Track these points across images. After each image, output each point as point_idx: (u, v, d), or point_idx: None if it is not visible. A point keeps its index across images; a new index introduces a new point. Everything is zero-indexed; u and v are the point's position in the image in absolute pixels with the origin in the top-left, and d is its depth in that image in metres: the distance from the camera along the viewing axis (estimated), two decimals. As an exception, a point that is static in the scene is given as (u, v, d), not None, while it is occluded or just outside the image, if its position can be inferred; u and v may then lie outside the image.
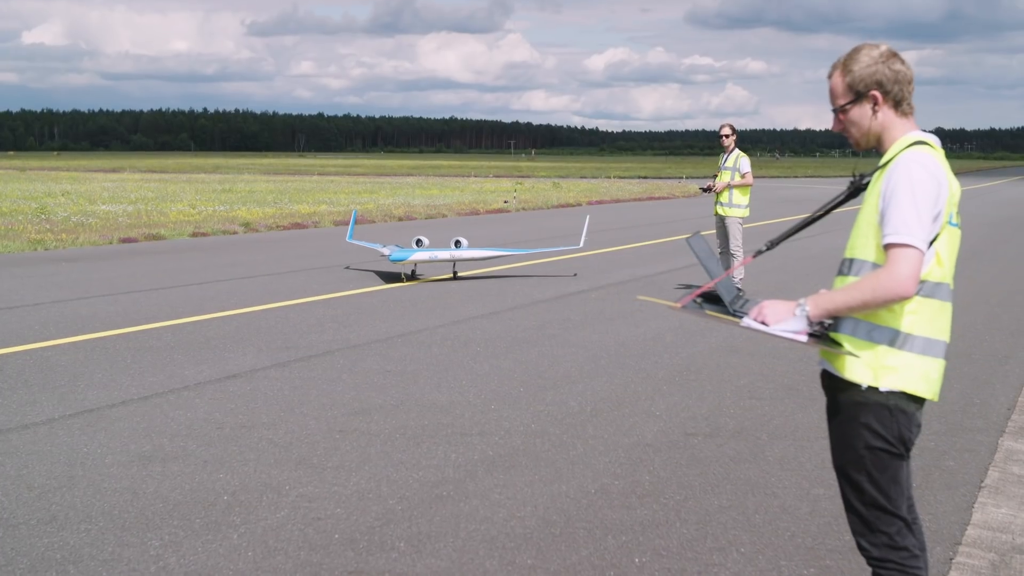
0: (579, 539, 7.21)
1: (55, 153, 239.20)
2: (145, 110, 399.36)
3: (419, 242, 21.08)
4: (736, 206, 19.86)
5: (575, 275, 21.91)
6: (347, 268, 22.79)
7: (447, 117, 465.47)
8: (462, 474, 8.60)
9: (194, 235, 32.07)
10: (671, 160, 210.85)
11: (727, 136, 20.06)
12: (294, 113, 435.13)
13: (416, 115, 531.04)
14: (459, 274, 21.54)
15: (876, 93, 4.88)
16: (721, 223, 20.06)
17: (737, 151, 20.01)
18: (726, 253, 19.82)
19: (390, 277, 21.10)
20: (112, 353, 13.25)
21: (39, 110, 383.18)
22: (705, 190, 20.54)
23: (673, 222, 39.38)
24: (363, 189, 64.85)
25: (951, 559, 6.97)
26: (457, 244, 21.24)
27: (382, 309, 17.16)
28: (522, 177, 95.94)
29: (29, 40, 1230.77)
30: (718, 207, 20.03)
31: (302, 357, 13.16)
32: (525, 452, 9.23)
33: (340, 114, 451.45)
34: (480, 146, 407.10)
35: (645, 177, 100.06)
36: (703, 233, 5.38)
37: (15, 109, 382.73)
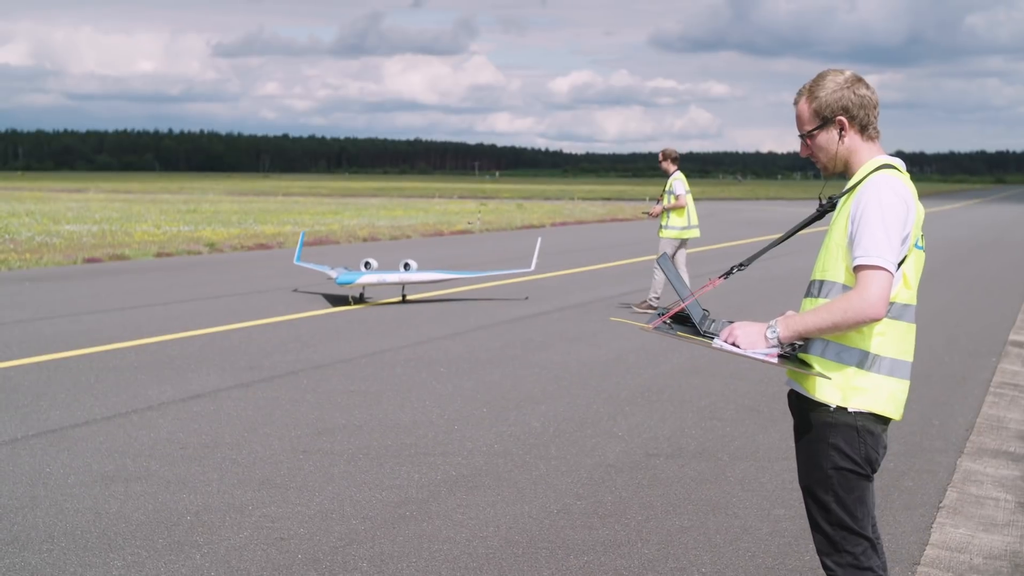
0: (541, 559, 7.25)
1: (19, 173, 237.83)
2: (110, 130, 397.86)
3: (367, 264, 20.71)
4: (669, 227, 20.41)
5: (526, 298, 21.55)
6: (295, 291, 22.33)
7: (412, 139, 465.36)
8: (425, 494, 8.63)
9: (159, 255, 31.99)
10: (634, 181, 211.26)
11: (660, 163, 20.68)
12: (259, 134, 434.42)
13: (381, 136, 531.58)
14: (408, 297, 21.15)
15: (842, 118, 4.93)
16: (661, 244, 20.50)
17: (674, 175, 20.40)
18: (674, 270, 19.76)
19: (337, 300, 20.69)
20: (75, 373, 13.22)
21: (3, 130, 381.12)
22: (645, 214, 21.55)
23: (636, 243, 39.52)
24: (328, 210, 64.80)
25: (909, 578, 7.04)
26: (406, 267, 20.87)
27: (346, 329, 17.17)
28: (486, 198, 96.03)
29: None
30: (661, 230, 20.56)
31: (265, 377, 13.16)
32: (488, 472, 9.27)
33: (305, 135, 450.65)
34: (445, 167, 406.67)
35: (608, 199, 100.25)
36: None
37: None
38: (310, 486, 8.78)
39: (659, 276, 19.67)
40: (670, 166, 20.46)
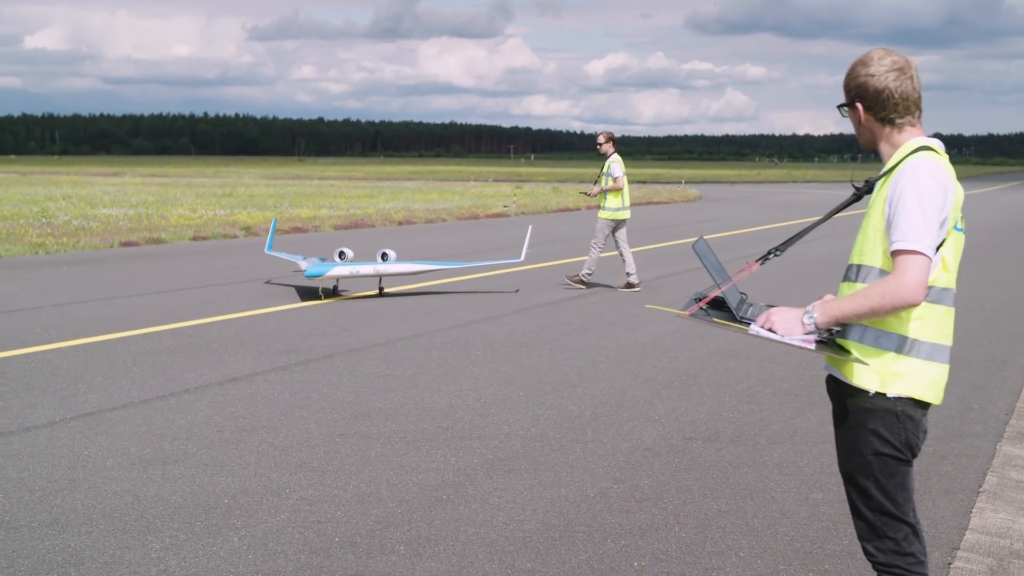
0: (578, 543, 7.23)
1: (56, 157, 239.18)
2: (146, 114, 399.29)
3: (342, 255, 19.17)
4: (607, 208, 21.16)
5: (517, 291, 20.21)
6: (268, 283, 21.08)
7: (447, 122, 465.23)
8: (461, 478, 8.63)
9: (194, 239, 32.10)
10: (670, 165, 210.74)
11: (600, 144, 21.50)
12: (294, 118, 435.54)
13: (416, 120, 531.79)
14: (385, 290, 19.73)
15: (860, 105, 4.90)
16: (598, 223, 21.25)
17: (612, 156, 21.17)
18: (616, 249, 21.32)
19: (307, 294, 19.37)
20: (113, 356, 13.27)
21: (40, 114, 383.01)
22: (584, 194, 22.02)
23: (672, 226, 39.44)
24: (363, 193, 64.90)
25: (949, 564, 6.99)
26: (384, 257, 19.44)
27: (382, 313, 17.19)
28: (521, 182, 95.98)
29: (31, 44, 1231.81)
30: (599, 210, 21.33)
31: (302, 361, 13.18)
32: (524, 456, 9.26)
33: (340, 119, 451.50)
34: (480, 151, 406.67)
35: (644, 182, 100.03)
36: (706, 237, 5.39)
37: (16, 113, 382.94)
38: (347, 469, 8.78)
39: (594, 254, 20.85)
40: (609, 148, 21.24)
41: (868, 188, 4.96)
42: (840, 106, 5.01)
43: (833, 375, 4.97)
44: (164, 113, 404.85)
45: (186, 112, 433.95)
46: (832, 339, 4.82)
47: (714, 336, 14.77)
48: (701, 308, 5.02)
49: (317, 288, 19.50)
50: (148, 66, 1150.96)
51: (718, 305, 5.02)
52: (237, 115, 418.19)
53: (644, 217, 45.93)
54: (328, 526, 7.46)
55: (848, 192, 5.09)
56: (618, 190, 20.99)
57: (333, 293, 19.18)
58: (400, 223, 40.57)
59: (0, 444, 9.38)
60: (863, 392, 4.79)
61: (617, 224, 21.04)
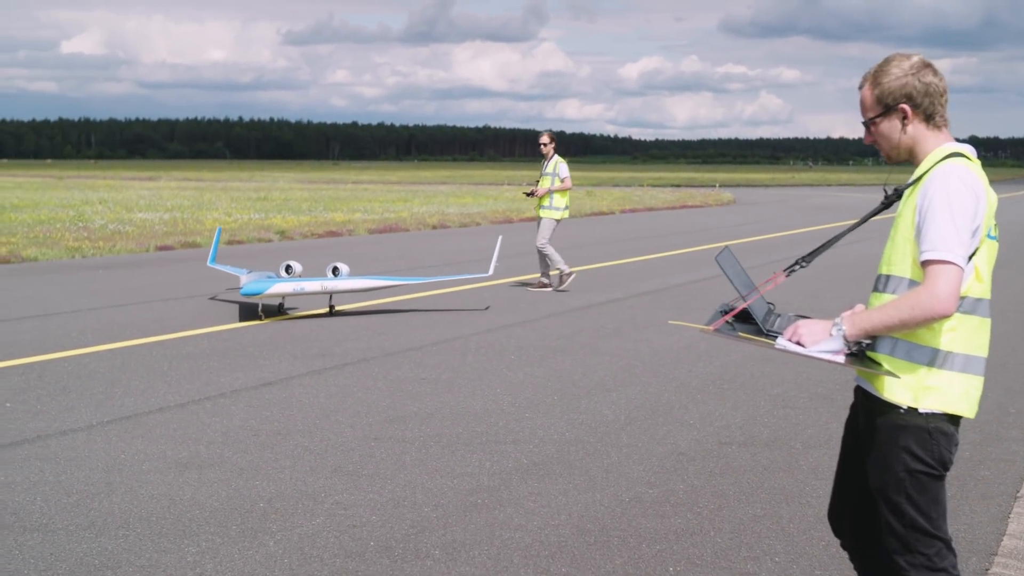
0: (613, 547, 7.23)
1: (92, 161, 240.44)
2: (181, 119, 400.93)
3: (288, 268, 17.52)
4: (555, 208, 21.60)
5: (487, 308, 18.44)
6: (212, 299, 19.28)
7: (481, 126, 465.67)
8: (496, 482, 8.63)
9: (230, 243, 32.19)
10: (704, 168, 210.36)
11: (545, 144, 21.89)
12: (328, 122, 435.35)
13: (450, 123, 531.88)
14: (336, 308, 17.86)
15: (905, 107, 4.77)
16: (538, 222, 21.65)
17: (556, 157, 21.69)
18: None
19: (248, 313, 17.39)
20: (149, 360, 13.33)
21: (77, 119, 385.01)
22: (529, 194, 21.98)
23: (708, 230, 39.36)
24: (397, 197, 64.99)
25: (987, 570, 6.96)
26: (335, 271, 17.58)
27: (415, 318, 17.22)
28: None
29: (67, 50, 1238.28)
30: (539, 209, 21.63)
31: (337, 365, 13.22)
32: (559, 460, 9.26)
33: (374, 122, 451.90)
34: (514, 155, 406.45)
35: (678, 186, 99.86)
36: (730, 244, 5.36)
37: (53, 118, 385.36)
38: (382, 473, 8.80)
39: (553, 251, 21.21)
40: (552, 149, 21.77)
41: (897, 195, 4.88)
42: (873, 118, 4.89)
43: (863, 387, 4.91)
44: (199, 117, 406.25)
45: (221, 116, 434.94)
46: (863, 352, 4.74)
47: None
48: (727, 322, 4.96)
49: (256, 306, 17.27)
50: (183, 70, 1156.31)
51: (744, 318, 4.95)
52: (272, 119, 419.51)
53: (677, 221, 45.87)
54: (363, 530, 7.47)
55: (882, 195, 5.04)
56: (566, 190, 21.60)
57: (278, 312, 17.46)
58: (434, 227, 40.61)
59: (38, 447, 9.43)
60: (894, 408, 4.70)
61: (557, 223, 21.60)
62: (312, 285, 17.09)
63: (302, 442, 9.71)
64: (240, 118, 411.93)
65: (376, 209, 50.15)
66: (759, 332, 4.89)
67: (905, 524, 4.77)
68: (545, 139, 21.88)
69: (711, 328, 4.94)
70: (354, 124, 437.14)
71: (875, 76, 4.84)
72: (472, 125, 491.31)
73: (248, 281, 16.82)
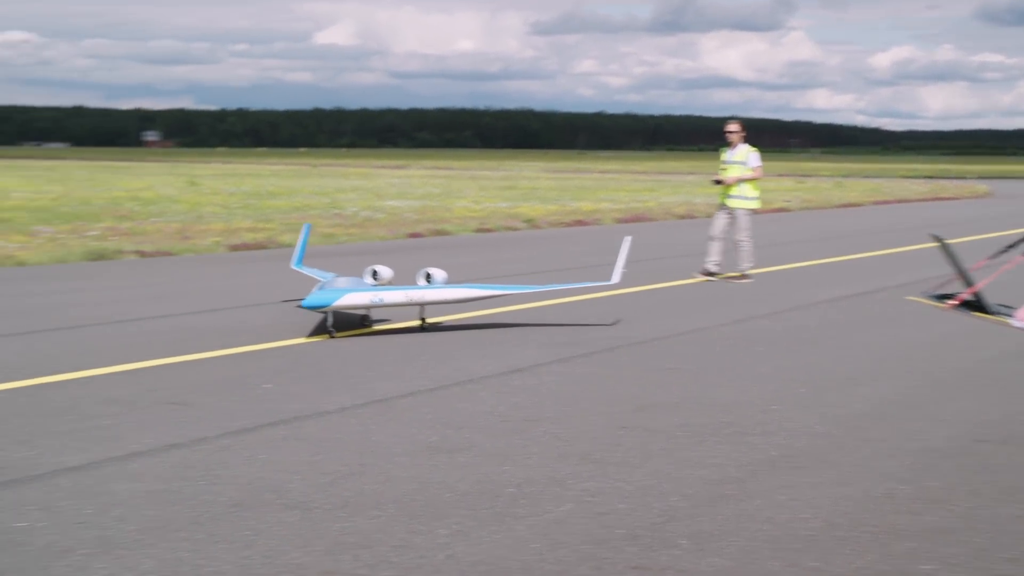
0: (864, 543, 7.10)
1: (344, 150, 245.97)
2: (431, 108, 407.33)
3: (375, 274, 15.16)
4: (747, 198, 21.41)
5: (615, 323, 15.71)
6: (285, 302, 17.35)
7: (728, 116, 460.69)
8: (744, 474, 8.56)
9: (478, 231, 32.60)
10: (959, 160, 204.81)
11: (734, 132, 21.62)
12: (575, 111, 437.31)
13: (696, 113, 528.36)
14: (428, 321, 15.28)
15: None
16: (729, 214, 21.47)
17: (746, 146, 21.39)
18: (722, 240, 21.37)
19: (318, 329, 14.63)
20: (402, 345, 13.60)
21: (330, 108, 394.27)
22: (717, 183, 21.85)
23: (957, 224, 38.33)
24: (643, 187, 64.97)
25: None
26: (428, 278, 15.09)
27: (663, 307, 17.20)
28: (804, 176, 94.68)
29: (321, 40, 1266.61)
30: (727, 199, 21.47)
31: (584, 353, 13.28)
32: (808, 453, 9.13)
33: (620, 112, 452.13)
34: (761, 145, 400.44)
35: (931, 177, 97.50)
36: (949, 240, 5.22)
37: (308, 107, 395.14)
38: (629, 462, 8.80)
39: (749, 245, 21.15)
40: (742, 138, 21.61)
41: None
42: None
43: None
44: (448, 107, 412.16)
45: (470, 106, 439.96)
46: None
47: (1006, 336, 14.30)
48: (963, 300, 4.86)
49: (325, 320, 14.46)
50: (433, 61, 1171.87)
51: (974, 302, 4.85)
52: (519, 109, 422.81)
53: (930, 214, 44.82)
54: (611, 518, 7.49)
55: None
56: (757, 179, 21.40)
57: (361, 324, 15.15)
58: (681, 217, 40.47)
59: (295, 428, 9.71)
60: None
61: (751, 213, 21.47)
62: (393, 295, 14.54)
63: (550, 429, 9.78)
64: (488, 108, 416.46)
65: (623, 199, 50.20)
66: (990, 311, 4.80)
67: None
68: (735, 127, 21.79)
69: (948, 305, 4.86)
70: (600, 114, 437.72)
71: None
72: (719, 115, 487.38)
73: (320, 289, 14.37)
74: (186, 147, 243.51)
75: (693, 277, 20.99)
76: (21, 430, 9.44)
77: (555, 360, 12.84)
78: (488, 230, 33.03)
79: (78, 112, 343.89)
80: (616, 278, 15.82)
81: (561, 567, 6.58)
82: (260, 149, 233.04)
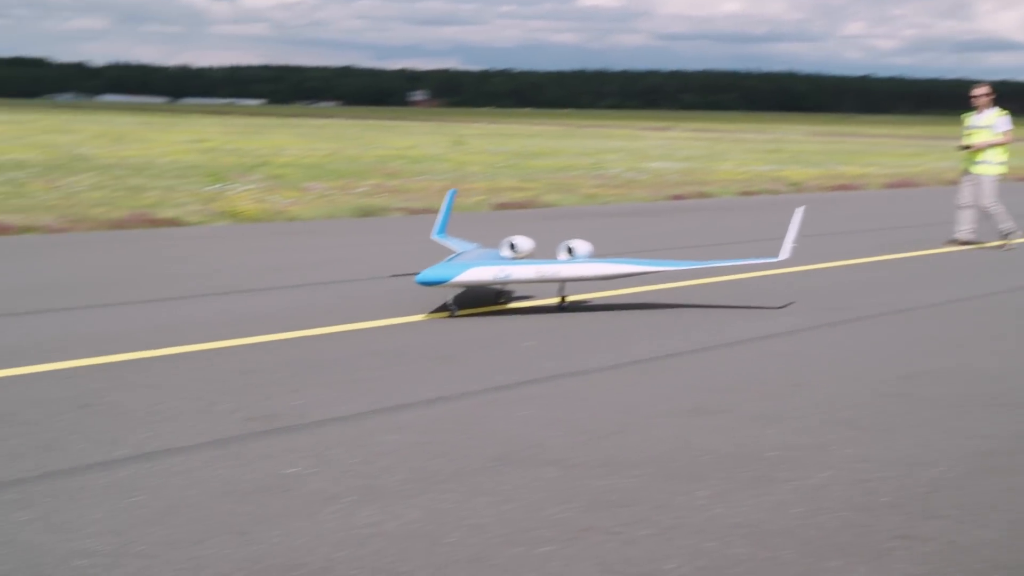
0: None
1: (608, 112, 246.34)
2: (695, 70, 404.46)
3: (513, 247, 13.22)
4: (993, 163, 20.45)
5: (786, 306, 13.85)
6: (394, 276, 15.68)
7: (1002, 79, 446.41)
8: (1015, 445, 8.32)
9: (741, 194, 32.32)
10: None
11: (981, 96, 20.65)
12: (842, 75, 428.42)
13: (969, 77, 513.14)
14: (568, 299, 13.55)
15: None
16: (974, 180, 20.49)
17: (995, 110, 20.48)
18: (971, 208, 20.49)
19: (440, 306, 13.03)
20: (660, 307, 13.58)
21: (594, 70, 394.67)
22: (964, 148, 20.79)
23: None
24: (912, 152, 63.46)
25: None
26: (570, 253, 13.32)
27: (928, 275, 16.87)
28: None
29: (587, 2, 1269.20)
30: (973, 165, 20.51)
31: (848, 319, 13.09)
32: (1083, 428, 8.83)
33: (889, 76, 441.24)
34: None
35: None
36: None
37: (572, 68, 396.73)
38: (894, 430, 8.64)
39: (1000, 208, 20.27)
40: (990, 101, 20.68)
41: None
42: None
43: None
44: (713, 69, 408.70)
45: (734, 68, 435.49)
46: None
47: None
48: None
49: (446, 298, 12.91)
50: (699, 22, 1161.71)
51: None
52: (785, 71, 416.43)
53: None
54: (873, 485, 7.36)
55: None
56: (1006, 144, 20.55)
57: (496, 300, 13.60)
58: (950, 183, 39.38)
59: (554, 386, 9.82)
60: None
61: (998, 179, 20.64)
62: (522, 271, 12.85)
63: (810, 395, 9.66)
64: (754, 70, 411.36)
65: (890, 163, 49.12)
66: None
67: None
68: (983, 90, 20.89)
69: None
70: (867, 77, 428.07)
71: None
72: (994, 79, 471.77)
73: (446, 262, 12.99)
74: (452, 107, 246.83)
75: (944, 246, 20.34)
76: (292, 380, 9.77)
77: (817, 325, 12.68)
78: (751, 193, 32.71)
79: (347, 72, 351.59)
80: (785, 254, 13.89)
81: (822, 533, 6.51)
82: (524, 109, 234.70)
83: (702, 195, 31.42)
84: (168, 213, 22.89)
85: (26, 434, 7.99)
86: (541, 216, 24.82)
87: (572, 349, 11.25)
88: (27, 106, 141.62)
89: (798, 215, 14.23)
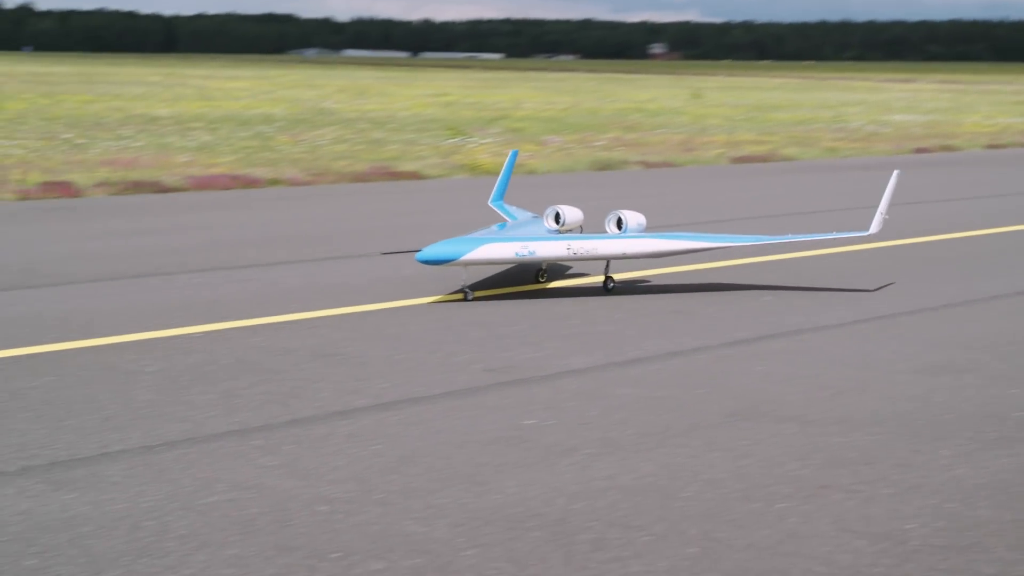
0: None
1: (849, 63, 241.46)
2: (942, 20, 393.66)
3: (558, 217, 11.57)
4: None
5: (878, 289, 11.99)
6: (384, 254, 14.10)
7: None
8: None
9: (988, 147, 31.38)
10: None
11: None
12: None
13: None
14: (615, 279, 11.88)
15: None
16: None
17: None
18: None
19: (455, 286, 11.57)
20: (909, 262, 13.31)
21: (836, 20, 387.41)
22: None
23: None
24: None
25: None
26: (620, 225, 11.61)
27: None
28: None
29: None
30: None
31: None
32: None
33: None
34: None
35: None
36: None
37: (814, 19, 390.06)
38: None
39: None
40: None
41: None
42: None
43: None
44: (961, 19, 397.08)
45: (984, 17, 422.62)
46: None
47: None
48: None
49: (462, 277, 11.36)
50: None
51: None
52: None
53: None
54: None
55: None
56: None
57: (536, 279, 12.15)
58: None
59: (794, 341, 9.74)
60: None
61: None
62: (549, 248, 11.36)
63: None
64: (1005, 19, 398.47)
65: None
66: None
67: None
68: None
69: None
70: None
71: None
72: None
73: (454, 239, 11.22)
74: (691, 60, 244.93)
75: None
76: (531, 333, 9.86)
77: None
78: (1000, 146, 31.73)
79: (587, 25, 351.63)
80: (875, 228, 12.00)
81: (1071, 496, 6.30)
82: (764, 62, 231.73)
83: (947, 148, 30.59)
84: (408, 166, 23.27)
85: (271, 382, 8.23)
86: (781, 170, 24.48)
87: (812, 303, 11.11)
88: (274, 61, 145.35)
89: (892, 181, 12.31)
